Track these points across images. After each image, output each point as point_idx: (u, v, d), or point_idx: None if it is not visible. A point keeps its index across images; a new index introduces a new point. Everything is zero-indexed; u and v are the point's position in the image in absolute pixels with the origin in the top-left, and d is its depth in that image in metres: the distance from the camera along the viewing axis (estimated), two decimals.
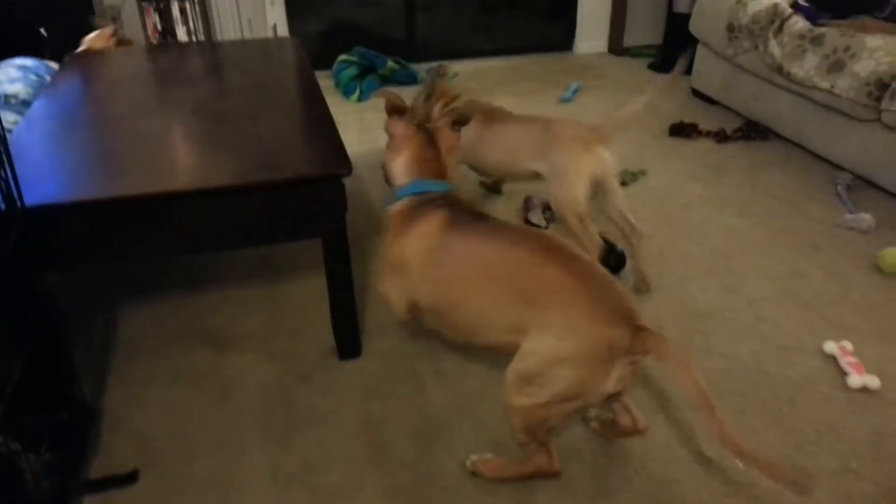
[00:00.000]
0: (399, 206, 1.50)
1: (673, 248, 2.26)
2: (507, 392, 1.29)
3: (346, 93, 3.70)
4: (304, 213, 1.60)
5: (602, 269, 1.31)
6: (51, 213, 1.44)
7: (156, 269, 2.18)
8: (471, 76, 4.04)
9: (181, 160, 1.62)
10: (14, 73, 2.32)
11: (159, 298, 2.02)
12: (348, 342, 1.77)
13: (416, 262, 1.41)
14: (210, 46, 2.74)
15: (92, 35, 2.66)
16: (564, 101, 3.61)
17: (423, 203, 1.46)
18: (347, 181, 1.57)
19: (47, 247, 1.46)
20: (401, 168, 1.54)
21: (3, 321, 1.42)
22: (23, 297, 1.42)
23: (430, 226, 1.40)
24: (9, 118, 2.08)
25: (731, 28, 3.13)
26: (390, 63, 3.84)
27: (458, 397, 1.65)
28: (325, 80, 3.21)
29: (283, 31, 3.94)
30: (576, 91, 3.70)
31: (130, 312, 1.96)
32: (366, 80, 3.77)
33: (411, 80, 3.87)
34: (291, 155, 1.67)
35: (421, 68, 3.95)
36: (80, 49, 2.61)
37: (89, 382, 1.70)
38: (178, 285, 2.09)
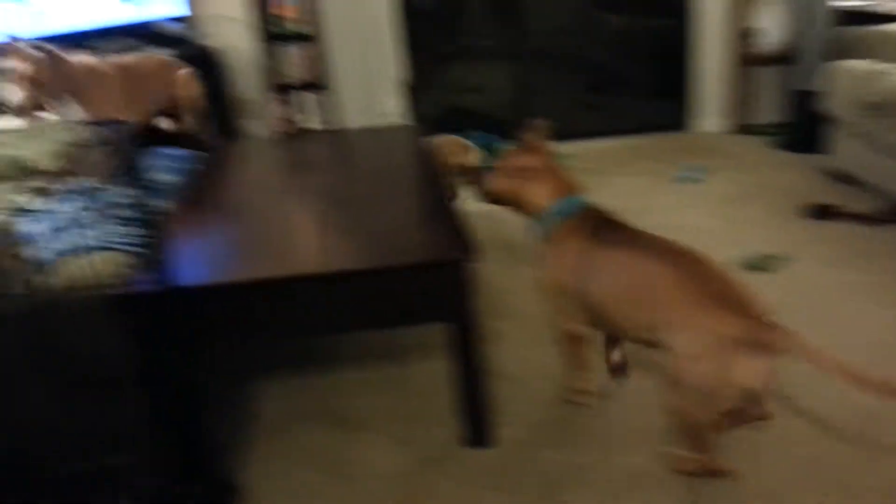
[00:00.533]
0: (555, 226, 1.64)
1: (828, 343, 2.07)
2: (666, 395, 1.46)
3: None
4: (427, 298, 1.58)
5: (725, 271, 1.44)
6: (195, 294, 1.50)
7: (289, 347, 2.22)
8: (583, 156, 4.02)
9: (312, 244, 1.67)
10: (164, 161, 2.51)
11: (292, 376, 2.06)
12: (477, 430, 1.72)
13: (574, 273, 1.59)
14: (337, 135, 2.87)
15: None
16: (682, 180, 3.52)
17: (573, 217, 1.63)
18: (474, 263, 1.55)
19: (191, 325, 1.52)
20: (544, 192, 1.67)
21: (151, 396, 1.47)
22: (170, 373, 1.47)
23: (583, 235, 1.59)
24: (160, 204, 2.23)
25: (870, 105, 2.97)
26: (503, 145, 3.90)
27: (596, 494, 1.55)
28: None
29: (401, 118, 4.11)
30: (694, 171, 3.61)
31: (265, 389, 2.00)
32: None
33: None
34: (418, 239, 1.68)
35: None
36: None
37: (225, 458, 1.72)
38: (309, 363, 2.12)
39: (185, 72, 2.92)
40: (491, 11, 4.37)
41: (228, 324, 1.56)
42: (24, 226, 1.72)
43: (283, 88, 3.87)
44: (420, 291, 1.57)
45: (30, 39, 2.43)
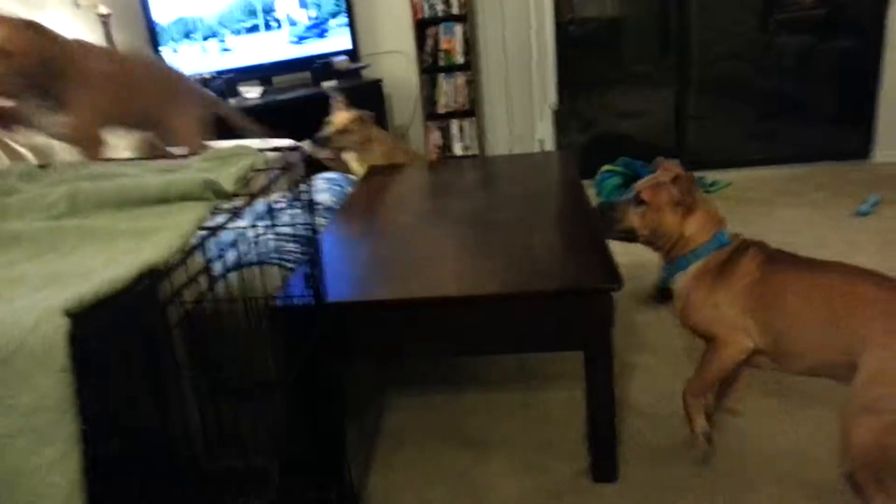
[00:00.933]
0: (703, 263, 1.59)
1: None
2: (846, 426, 1.37)
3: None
4: (568, 325, 1.58)
5: None
6: (343, 310, 1.60)
7: (423, 364, 2.30)
8: (747, 186, 3.80)
9: (455, 267, 1.71)
10: (322, 184, 2.71)
11: (423, 394, 2.12)
12: (604, 464, 1.66)
13: (741, 304, 1.53)
14: (484, 161, 2.94)
15: (338, 115, 2.89)
16: (862, 214, 3.20)
17: (728, 250, 1.58)
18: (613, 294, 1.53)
19: (339, 339, 1.62)
20: (700, 226, 1.60)
21: (297, 403, 1.59)
22: (318, 382, 1.58)
23: (751, 266, 1.54)
24: (319, 222, 2.42)
25: None
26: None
27: None
28: (588, 190, 3.26)
29: (549, 145, 4.12)
30: (876, 204, 3.27)
31: (397, 404, 2.07)
32: (630, 189, 3.74)
33: None
34: (559, 266, 1.67)
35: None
36: (330, 129, 2.84)
37: (355, 467, 1.80)
38: (440, 383, 2.17)
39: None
40: (651, 37, 4.27)
41: (371, 339, 1.64)
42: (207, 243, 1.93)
43: (437, 116, 4.03)
44: (560, 318, 1.57)
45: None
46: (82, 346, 0.74)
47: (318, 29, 3.86)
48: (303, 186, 1.65)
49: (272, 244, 1.98)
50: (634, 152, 3.94)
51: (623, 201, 1.67)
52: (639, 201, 1.62)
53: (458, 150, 4.10)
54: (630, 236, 1.66)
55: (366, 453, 1.86)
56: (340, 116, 2.82)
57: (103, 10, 2.97)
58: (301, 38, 3.84)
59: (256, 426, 1.60)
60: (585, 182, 2.37)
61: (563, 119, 4.17)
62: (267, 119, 3.47)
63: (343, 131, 2.78)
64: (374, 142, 2.89)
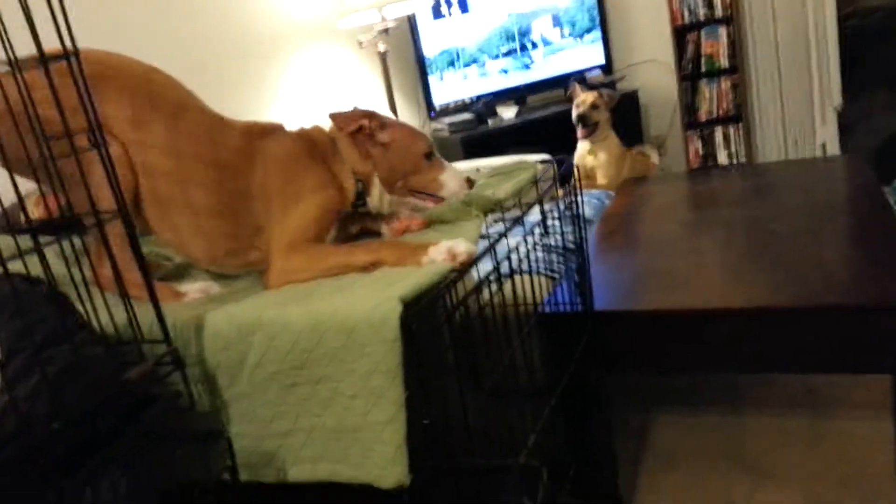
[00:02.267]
0: None
1: None
2: None
3: None
4: (873, 344, 1.39)
5: None
6: (612, 319, 1.59)
7: (692, 380, 2.19)
8: None
9: (730, 278, 1.61)
10: (584, 198, 2.74)
11: (694, 413, 2.01)
12: None
13: None
14: (753, 168, 2.73)
15: (581, 96, 3.04)
16: None
17: None
18: None
19: (606, 348, 1.61)
20: None
21: (564, 408, 1.61)
22: (586, 392, 1.59)
23: None
24: (583, 235, 2.44)
25: None
26: None
27: None
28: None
29: (832, 149, 3.69)
30: None
31: (665, 421, 2.00)
32: None
33: None
34: (861, 278, 1.49)
35: None
36: (582, 108, 3.00)
37: (622, 482, 1.77)
38: (713, 403, 2.05)
39: None
40: None
41: (638, 349, 1.61)
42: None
43: (699, 124, 3.84)
44: (862, 336, 1.40)
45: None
46: (406, 326, 0.85)
47: (573, 45, 3.91)
48: (571, 197, 1.69)
49: (540, 254, 2.04)
50: None
51: None
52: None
53: (722, 158, 3.85)
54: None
55: (633, 469, 1.82)
56: (584, 96, 3.01)
57: (381, 47, 3.33)
58: (555, 55, 3.92)
59: (522, 427, 1.66)
60: (884, 189, 2.09)
61: (850, 122, 3.70)
62: (522, 137, 3.61)
63: (594, 106, 2.97)
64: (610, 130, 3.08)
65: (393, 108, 3.53)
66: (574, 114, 3.03)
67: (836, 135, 3.67)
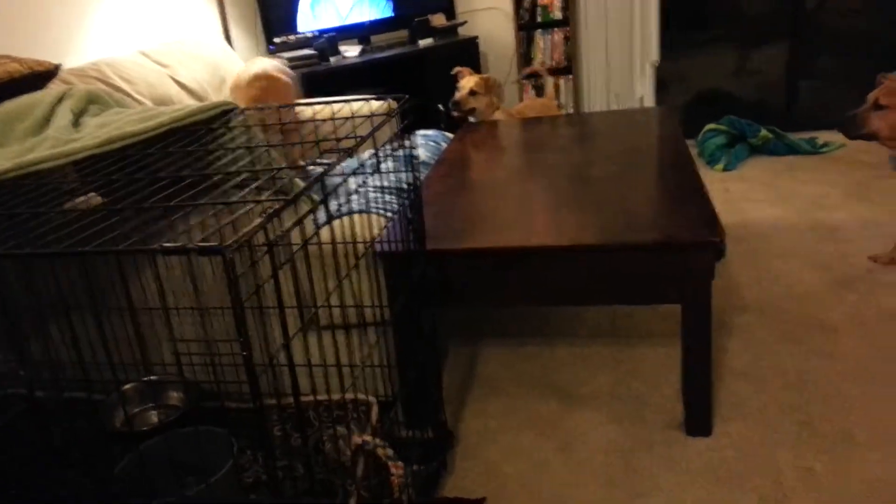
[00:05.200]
0: None
1: None
2: None
3: (711, 162, 3.57)
4: (667, 278, 1.57)
5: None
6: (442, 257, 1.66)
7: (515, 315, 2.34)
8: (860, 149, 3.57)
9: (551, 219, 1.73)
10: (418, 140, 2.77)
11: (516, 344, 2.16)
12: (698, 418, 1.66)
13: None
14: (581, 117, 2.91)
15: (467, 75, 2.97)
16: None
17: None
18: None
19: (437, 285, 1.68)
20: None
21: (399, 341, 1.67)
22: (416, 326, 1.65)
23: None
24: (417, 176, 2.48)
25: None
26: (763, 132, 3.61)
27: (829, 501, 1.42)
28: (691, 150, 3.17)
29: (649, 103, 4.00)
30: None
31: (489, 353, 2.13)
32: (734, 149, 3.60)
33: (787, 150, 3.59)
34: (660, 219, 1.66)
35: (801, 137, 3.64)
36: (460, 93, 2.91)
37: (450, 410, 1.88)
38: (533, 335, 2.21)
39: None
40: None
41: (467, 286, 1.70)
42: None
43: (533, 74, 3.99)
44: (658, 271, 1.57)
45: None
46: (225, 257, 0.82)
47: None
48: (406, 139, 1.71)
49: (372, 195, 2.06)
50: (741, 112, 3.77)
51: (863, 109, 2.09)
52: (878, 106, 2.05)
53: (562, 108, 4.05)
54: (871, 137, 2.11)
55: (461, 398, 1.93)
56: (464, 81, 2.93)
57: None
58: None
59: (360, 362, 1.70)
60: (688, 142, 2.31)
61: (666, 77, 4.03)
62: (367, 77, 3.56)
63: (472, 93, 2.89)
64: (498, 109, 2.99)
65: (228, 40, 3.33)
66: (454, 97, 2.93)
67: (653, 89, 3.99)
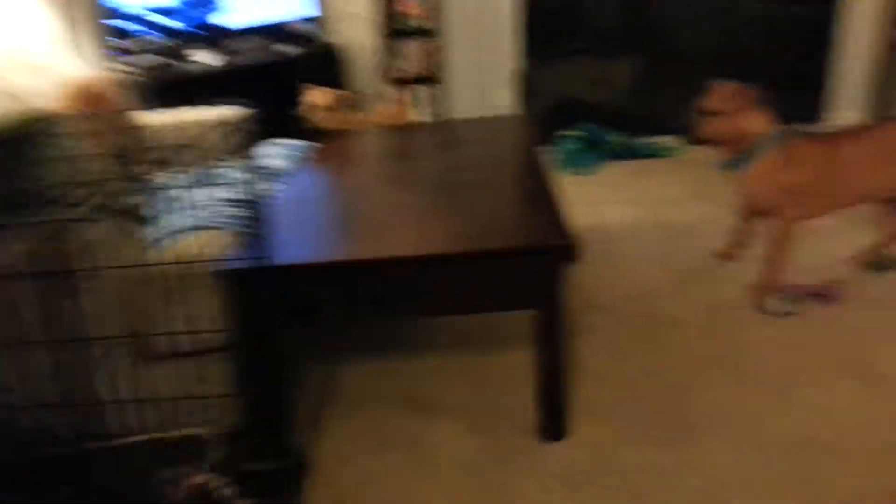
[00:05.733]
0: (781, 146, 2.21)
1: None
2: None
3: (568, 167, 3.70)
4: (520, 285, 1.57)
5: None
6: (294, 272, 1.57)
7: (373, 330, 2.28)
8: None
9: (406, 228, 1.70)
10: (277, 150, 2.66)
11: (374, 359, 2.11)
12: (553, 423, 1.68)
13: (820, 171, 2.19)
14: (442, 125, 2.91)
15: (315, 92, 2.84)
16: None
17: (794, 136, 2.23)
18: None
19: (288, 302, 1.59)
20: (762, 123, 2.25)
21: (245, 367, 1.56)
22: (262, 347, 1.56)
23: (819, 143, 2.23)
24: (267, 187, 2.36)
25: None
26: (616, 138, 3.79)
27: (677, 497, 1.47)
28: (550, 156, 3.28)
29: (512, 110, 4.09)
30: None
31: (348, 370, 2.06)
32: (590, 154, 3.75)
33: (638, 155, 3.79)
34: (512, 226, 1.67)
35: (651, 142, 3.85)
36: (306, 104, 2.80)
37: (305, 435, 1.79)
38: (394, 348, 2.16)
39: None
40: (617, 4, 4.25)
41: (321, 302, 1.61)
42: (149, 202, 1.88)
43: (399, 82, 3.97)
44: (511, 277, 1.57)
45: None
46: None
47: None
48: (255, 149, 1.61)
49: (219, 208, 1.94)
50: (599, 118, 3.94)
51: (696, 115, 2.29)
52: (708, 112, 2.24)
53: (422, 115, 4.05)
54: (706, 141, 2.30)
55: (318, 421, 1.85)
56: (309, 94, 2.81)
57: None
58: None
59: (197, 392, 1.58)
60: (549, 148, 2.36)
61: (529, 85, 4.14)
62: (227, 86, 3.37)
63: (312, 107, 2.78)
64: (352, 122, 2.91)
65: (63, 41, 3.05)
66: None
67: (515, 97, 4.08)
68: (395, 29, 3.89)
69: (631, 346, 2.04)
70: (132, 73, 3.13)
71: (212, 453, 1.36)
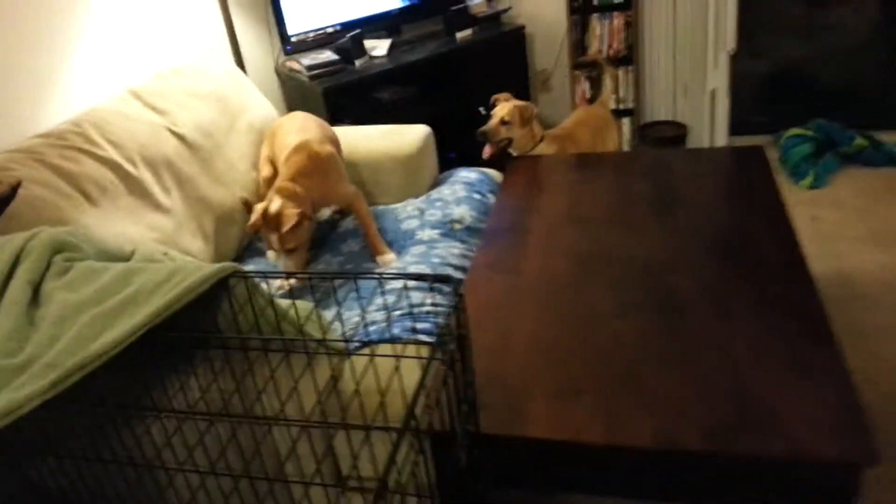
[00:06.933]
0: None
1: None
2: None
3: (796, 176, 3.09)
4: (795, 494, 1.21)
5: None
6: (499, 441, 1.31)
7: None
8: None
9: (636, 396, 1.34)
10: (461, 190, 2.34)
11: None
12: None
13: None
14: (646, 158, 2.40)
15: (501, 104, 2.52)
16: None
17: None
18: None
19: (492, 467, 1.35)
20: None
21: None
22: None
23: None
24: (454, 249, 2.06)
25: None
26: (858, 140, 3.09)
27: None
28: (771, 152, 2.65)
29: (722, 95, 3.46)
30: None
31: None
32: (822, 160, 3.09)
33: (887, 161, 3.06)
34: (783, 406, 1.25)
35: None
36: (490, 123, 2.49)
37: None
38: None
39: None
40: None
41: (528, 468, 1.36)
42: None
43: (589, 64, 3.48)
44: (781, 483, 1.21)
45: None
46: None
47: None
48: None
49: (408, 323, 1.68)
50: (833, 105, 3.24)
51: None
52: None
53: (610, 102, 3.55)
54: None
55: None
56: (498, 108, 2.50)
57: None
58: None
59: None
60: (767, 139, 1.82)
61: (745, 65, 3.46)
62: (396, 78, 3.09)
63: (504, 122, 2.46)
64: (542, 141, 2.57)
65: (234, 41, 2.90)
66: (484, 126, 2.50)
67: (727, 81, 3.44)
68: (588, 3, 3.37)
69: None
70: (313, 77, 2.90)
71: None
